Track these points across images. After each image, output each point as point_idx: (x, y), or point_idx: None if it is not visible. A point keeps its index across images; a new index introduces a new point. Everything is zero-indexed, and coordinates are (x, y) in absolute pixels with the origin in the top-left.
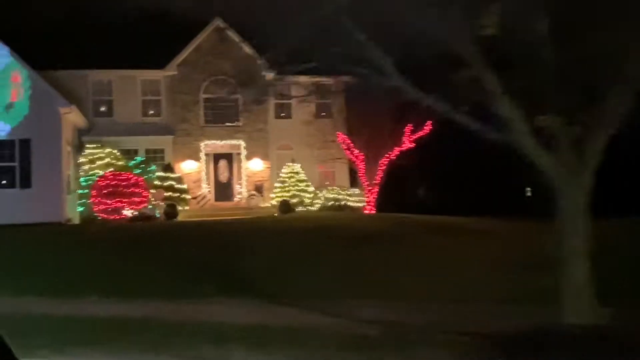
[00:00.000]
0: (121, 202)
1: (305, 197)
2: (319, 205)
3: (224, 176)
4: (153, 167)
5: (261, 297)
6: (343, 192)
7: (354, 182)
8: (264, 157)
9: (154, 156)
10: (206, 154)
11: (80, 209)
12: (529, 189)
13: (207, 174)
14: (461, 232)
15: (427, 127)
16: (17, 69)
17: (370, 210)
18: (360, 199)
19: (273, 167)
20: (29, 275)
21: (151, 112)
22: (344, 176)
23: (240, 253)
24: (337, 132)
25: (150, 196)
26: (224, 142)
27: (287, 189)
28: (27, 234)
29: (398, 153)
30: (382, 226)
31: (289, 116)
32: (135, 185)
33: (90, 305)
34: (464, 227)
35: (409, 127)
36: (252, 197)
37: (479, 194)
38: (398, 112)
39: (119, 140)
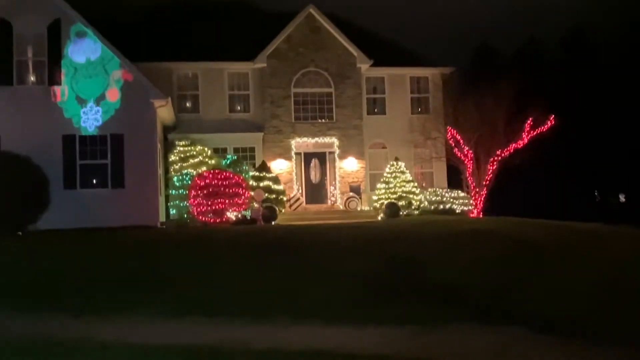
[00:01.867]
0: (223, 203)
1: (413, 199)
2: (421, 208)
3: (316, 177)
4: (245, 167)
5: (527, 326)
6: (447, 194)
7: (451, 183)
8: (359, 156)
9: (243, 155)
10: (297, 153)
11: (173, 211)
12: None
13: (298, 174)
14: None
15: (550, 122)
16: (109, 59)
17: (477, 214)
18: (464, 202)
19: (367, 167)
20: (178, 289)
21: (239, 107)
22: (442, 177)
23: (423, 264)
24: (447, 128)
25: (250, 198)
26: (316, 139)
27: (392, 190)
28: (134, 238)
29: (512, 151)
30: (540, 233)
31: (382, 112)
32: (237, 185)
33: (301, 332)
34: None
35: (529, 122)
36: (351, 199)
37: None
38: (514, 106)
39: (205, 138)
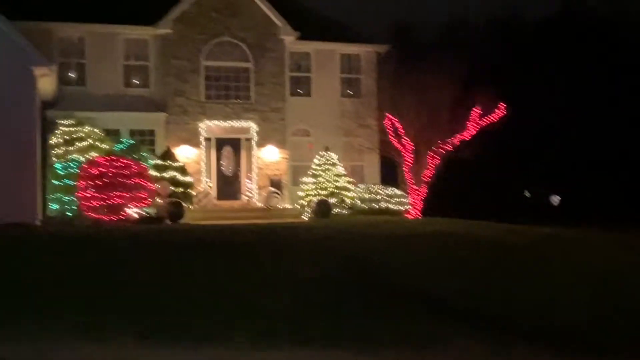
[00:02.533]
0: (122, 197)
1: (347, 196)
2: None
3: (229, 167)
4: (145, 153)
5: None
6: (382, 192)
7: (384, 178)
8: (281, 144)
9: (141, 139)
10: (207, 139)
11: (55, 206)
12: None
13: (208, 164)
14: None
15: (499, 112)
16: None
17: (415, 214)
18: (400, 201)
19: (289, 157)
20: (85, 303)
21: (136, 81)
22: (375, 171)
23: (392, 270)
24: (386, 114)
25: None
26: (230, 123)
27: (322, 185)
28: (10, 240)
29: (457, 143)
30: (501, 235)
31: (307, 93)
32: (140, 175)
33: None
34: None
35: (477, 110)
36: (273, 195)
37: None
38: (461, 91)
39: (94, 117)
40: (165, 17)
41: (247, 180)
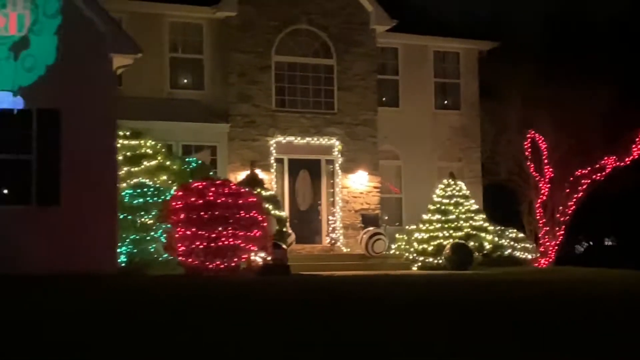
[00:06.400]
0: (236, 236)
1: (485, 239)
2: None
3: (305, 198)
4: (213, 174)
5: None
6: (507, 235)
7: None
8: (372, 168)
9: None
10: (278, 160)
11: (122, 248)
12: None
13: (280, 194)
14: None
15: None
16: None
17: (546, 264)
18: (525, 246)
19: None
20: None
21: (186, 80)
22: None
23: None
24: (529, 130)
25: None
26: (307, 139)
27: (454, 224)
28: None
29: (608, 171)
30: None
31: (393, 103)
32: (255, 207)
33: None
34: None
35: None
36: (377, 237)
37: None
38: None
39: (137, 127)
40: None
41: (329, 217)
